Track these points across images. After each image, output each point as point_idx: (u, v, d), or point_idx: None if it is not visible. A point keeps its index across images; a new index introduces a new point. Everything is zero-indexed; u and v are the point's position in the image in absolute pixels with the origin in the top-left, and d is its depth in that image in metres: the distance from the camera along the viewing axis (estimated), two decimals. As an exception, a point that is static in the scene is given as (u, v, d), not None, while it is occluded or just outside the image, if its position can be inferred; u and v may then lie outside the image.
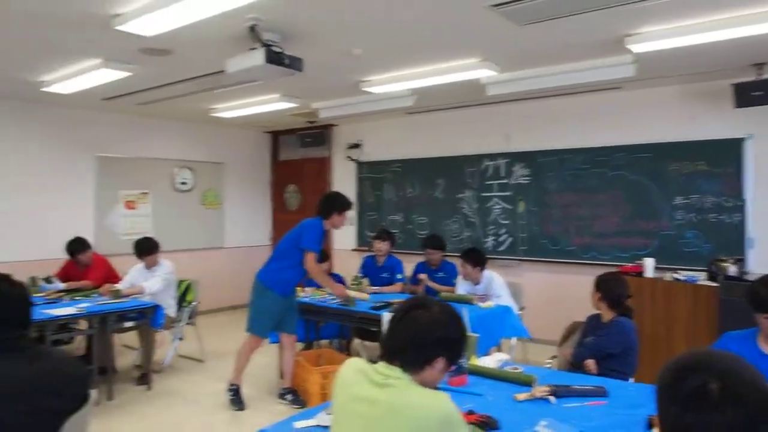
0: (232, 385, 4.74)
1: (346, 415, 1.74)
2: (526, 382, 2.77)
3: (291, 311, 4.81)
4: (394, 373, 1.71)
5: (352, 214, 8.34)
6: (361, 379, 1.74)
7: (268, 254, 9.21)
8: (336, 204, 4.70)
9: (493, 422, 2.25)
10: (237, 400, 4.69)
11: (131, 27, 3.73)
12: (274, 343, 5.02)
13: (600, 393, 2.64)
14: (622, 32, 4.20)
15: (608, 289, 3.44)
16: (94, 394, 2.13)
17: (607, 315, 3.44)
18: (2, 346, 1.91)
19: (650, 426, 2.21)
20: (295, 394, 4.75)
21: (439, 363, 1.74)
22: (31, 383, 1.89)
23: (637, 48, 4.35)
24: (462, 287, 5.33)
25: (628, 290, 3.52)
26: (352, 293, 4.96)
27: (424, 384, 1.73)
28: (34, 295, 5.22)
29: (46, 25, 4.00)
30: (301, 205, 9.30)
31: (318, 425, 2.28)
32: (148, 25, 3.71)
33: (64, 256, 5.95)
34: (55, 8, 3.64)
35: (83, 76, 5.23)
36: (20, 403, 1.84)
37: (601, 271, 3.86)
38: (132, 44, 4.35)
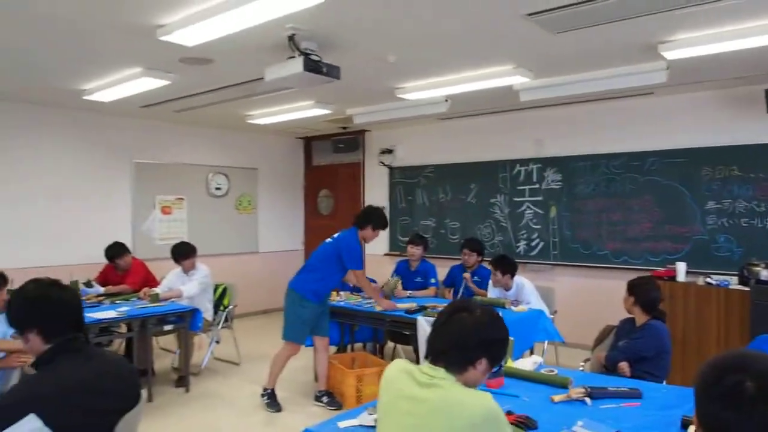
0: (266, 389, 4.84)
1: (393, 413, 1.81)
2: (561, 384, 2.81)
3: (324, 315, 4.92)
4: (438, 373, 1.77)
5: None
6: (406, 378, 1.81)
7: (301, 259, 9.50)
8: (373, 218, 4.85)
9: (532, 422, 2.30)
10: (273, 403, 4.79)
11: (174, 37, 3.86)
12: (309, 346, 5.11)
13: (635, 395, 2.67)
14: (656, 39, 4.22)
15: (642, 292, 3.46)
16: (144, 394, 2.23)
17: (641, 318, 3.46)
18: (58, 349, 2.01)
19: (685, 426, 2.24)
20: (330, 396, 4.84)
21: (482, 364, 1.80)
22: (87, 384, 1.99)
23: (671, 55, 4.36)
24: (493, 293, 5.36)
25: (661, 294, 3.55)
26: (400, 305, 5.03)
27: (467, 384, 1.79)
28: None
29: (93, 36, 4.16)
30: (334, 210, 9.41)
31: (361, 425, 2.35)
32: (190, 36, 3.84)
33: (102, 260, 6.13)
34: (102, 20, 3.79)
35: (123, 85, 5.40)
36: (77, 403, 1.94)
37: (632, 275, 3.88)
38: (173, 53, 4.49)
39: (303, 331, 4.79)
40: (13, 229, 6.48)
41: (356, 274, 4.87)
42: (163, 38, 3.90)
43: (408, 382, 1.81)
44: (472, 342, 1.79)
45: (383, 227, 4.93)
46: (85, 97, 5.96)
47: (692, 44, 4.17)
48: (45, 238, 6.73)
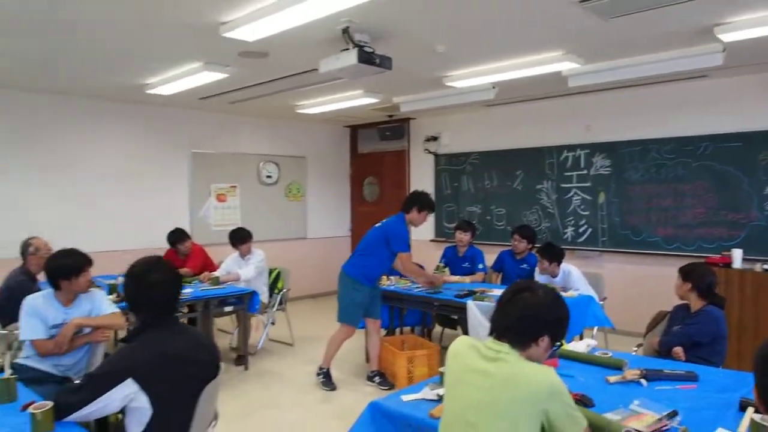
0: (321, 368, 5.05)
1: (462, 385, 1.93)
2: (616, 366, 2.88)
3: (376, 298, 5.08)
4: (503, 348, 1.90)
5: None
6: (473, 353, 1.94)
7: (347, 245, 9.71)
8: (418, 202, 4.93)
9: (588, 400, 2.40)
10: (328, 381, 4.99)
11: (237, 34, 4.04)
12: (361, 329, 5.26)
13: (691, 377, 2.72)
14: (711, 22, 4.17)
15: (698, 277, 3.46)
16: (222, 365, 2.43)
17: (697, 304, 3.47)
18: (149, 322, 2.24)
19: (743, 408, 2.29)
20: (382, 376, 5.00)
21: (544, 341, 1.92)
22: (177, 354, 2.20)
23: (727, 37, 4.30)
24: (540, 280, 5.39)
25: (716, 279, 3.55)
26: (452, 278, 5.19)
27: (529, 360, 1.91)
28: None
29: (160, 34, 4.38)
30: (380, 197, 9.56)
31: (424, 398, 2.49)
32: (252, 32, 4.01)
33: (164, 245, 6.42)
34: (170, 18, 3.98)
35: (184, 79, 5.64)
36: (169, 370, 2.15)
37: (685, 262, 3.83)
38: (233, 48, 4.68)
39: (357, 314, 4.95)
40: (82, 216, 6.83)
41: (401, 257, 4.92)
42: (226, 35, 4.08)
43: (475, 357, 1.93)
44: (535, 319, 1.90)
45: (429, 209, 4.98)
46: (148, 91, 6.25)
47: (750, 26, 4.10)
48: (111, 225, 7.08)
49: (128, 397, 2.05)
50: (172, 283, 2.31)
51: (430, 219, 8.48)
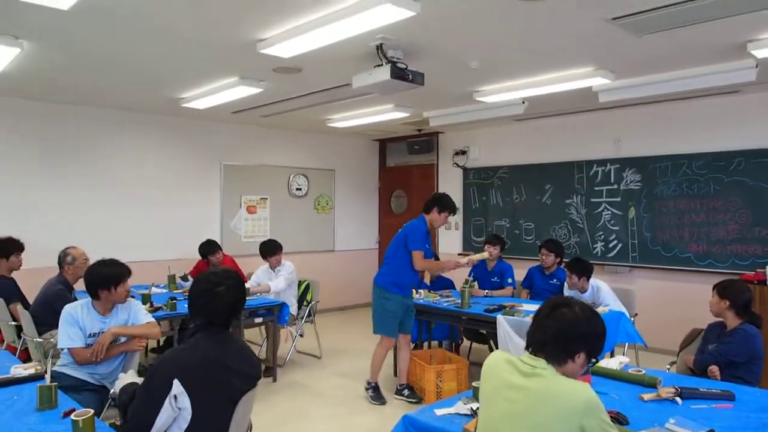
0: (369, 383, 5.04)
1: (497, 400, 1.95)
2: (650, 384, 2.86)
3: (410, 312, 5.05)
4: (539, 363, 1.91)
5: (457, 219, 8.56)
6: (509, 367, 1.96)
7: (375, 257, 9.75)
8: (438, 203, 4.92)
9: (623, 418, 2.39)
10: (377, 396, 4.99)
11: (274, 50, 4.13)
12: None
13: (728, 396, 2.69)
14: (744, 38, 4.17)
15: (736, 295, 3.42)
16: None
17: (733, 322, 3.42)
18: (199, 329, 2.32)
19: (782, 429, 2.27)
20: (411, 389, 5.01)
21: (580, 357, 1.93)
22: (222, 361, 2.26)
23: (761, 53, 4.28)
24: (568, 295, 5.37)
25: (753, 296, 3.51)
26: (475, 256, 5.15)
27: (565, 376, 1.92)
28: (173, 291, 5.81)
29: (199, 50, 4.49)
30: (407, 209, 9.60)
31: (457, 413, 2.50)
32: (288, 49, 4.10)
33: (195, 256, 6.55)
34: (209, 35, 4.09)
35: (219, 93, 5.76)
36: (212, 377, 2.21)
37: (718, 279, 3.80)
38: (267, 64, 4.78)
39: (392, 324, 4.92)
40: (117, 226, 6.99)
41: (414, 255, 4.81)
42: (263, 51, 4.18)
43: (511, 371, 1.95)
44: (572, 335, 1.91)
45: (450, 211, 4.95)
46: (184, 105, 6.39)
47: (783, 42, 4.09)
48: (144, 235, 7.22)
49: (174, 396, 2.12)
50: (236, 299, 2.38)
51: (458, 233, 8.60)
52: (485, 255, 5.07)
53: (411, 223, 4.95)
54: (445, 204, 4.92)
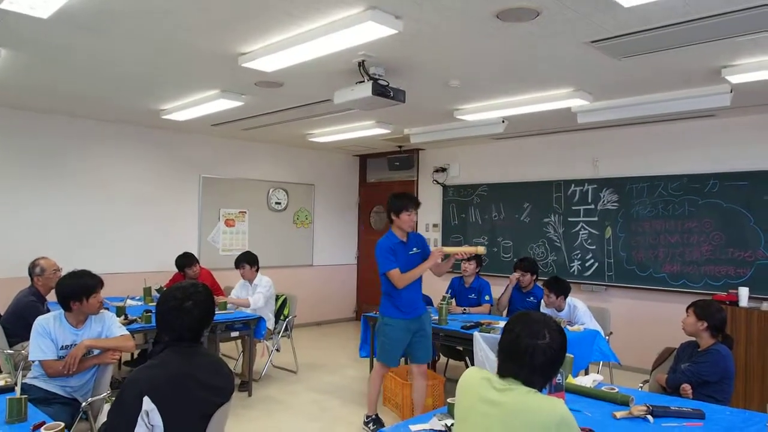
0: (368, 416, 4.68)
1: (473, 415, 1.96)
2: (622, 402, 2.89)
3: (420, 338, 4.50)
4: (512, 383, 1.92)
5: (436, 237, 8.58)
6: (485, 384, 1.97)
7: (354, 273, 9.72)
8: (391, 208, 4.49)
9: (596, 435, 2.40)
10: (378, 428, 4.51)
11: (256, 64, 4.14)
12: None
13: (698, 415, 2.72)
14: (719, 64, 4.27)
15: (711, 315, 3.45)
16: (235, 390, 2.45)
17: (707, 342, 3.46)
18: (169, 344, 2.28)
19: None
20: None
21: (552, 380, 1.94)
22: (192, 376, 2.23)
23: (735, 79, 4.39)
24: (545, 312, 5.39)
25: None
26: (461, 248, 4.68)
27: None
28: (148, 304, 5.74)
29: (182, 63, 4.49)
30: (387, 225, 9.57)
31: (432, 429, 2.50)
32: (271, 63, 4.11)
33: (172, 268, 6.48)
34: (191, 47, 4.09)
35: (200, 106, 5.74)
36: (183, 391, 2.18)
37: (691, 299, 3.84)
38: (249, 78, 4.79)
39: (393, 351, 4.45)
40: (93, 238, 6.90)
41: (391, 277, 4.32)
42: (245, 65, 4.19)
43: (486, 387, 1.95)
44: (543, 367, 1.91)
45: (404, 208, 4.41)
46: (164, 117, 6.36)
47: (757, 69, 4.19)
48: (121, 247, 7.14)
49: (146, 413, 2.08)
50: (204, 313, 2.34)
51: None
52: (473, 249, 4.66)
53: (378, 245, 4.46)
54: (397, 206, 4.42)
